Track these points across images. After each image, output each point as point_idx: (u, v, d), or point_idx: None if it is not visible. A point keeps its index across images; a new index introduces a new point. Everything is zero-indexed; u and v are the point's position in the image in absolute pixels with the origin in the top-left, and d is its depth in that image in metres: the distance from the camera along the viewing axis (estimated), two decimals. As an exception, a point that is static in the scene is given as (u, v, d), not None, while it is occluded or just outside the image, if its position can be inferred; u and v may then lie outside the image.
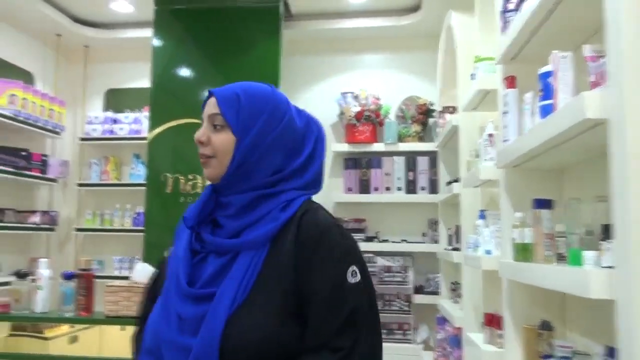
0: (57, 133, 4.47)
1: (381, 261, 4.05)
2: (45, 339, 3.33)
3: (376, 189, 4.23)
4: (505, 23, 1.97)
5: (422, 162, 4.19)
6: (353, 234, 3.83)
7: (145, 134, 4.43)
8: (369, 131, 4.23)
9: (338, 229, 1.08)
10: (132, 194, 4.51)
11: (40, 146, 4.52)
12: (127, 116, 4.68)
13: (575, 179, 1.92)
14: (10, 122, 3.94)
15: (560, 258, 1.54)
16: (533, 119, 1.70)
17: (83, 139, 4.71)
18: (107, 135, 4.66)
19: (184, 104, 3.90)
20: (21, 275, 2.50)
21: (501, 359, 2.09)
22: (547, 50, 1.58)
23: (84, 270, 2.40)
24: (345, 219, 4.21)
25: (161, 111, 3.96)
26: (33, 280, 2.47)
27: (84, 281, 2.35)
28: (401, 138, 4.25)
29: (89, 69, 4.86)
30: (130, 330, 2.69)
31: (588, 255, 1.31)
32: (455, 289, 3.39)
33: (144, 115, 4.59)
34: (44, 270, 2.42)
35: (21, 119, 4.02)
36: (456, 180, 3.16)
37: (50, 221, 4.40)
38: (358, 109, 4.23)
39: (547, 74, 1.49)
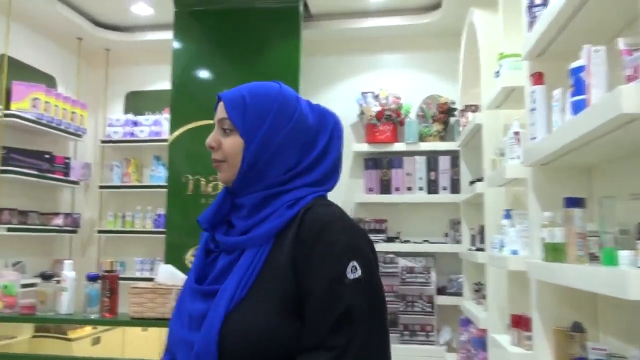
0: (79, 136, 4.51)
1: (403, 262, 4.01)
2: (69, 340, 3.36)
3: (397, 189, 4.20)
4: (532, 18, 1.93)
5: (444, 162, 4.14)
6: (374, 235, 3.84)
7: (165, 135, 4.46)
8: (390, 131, 4.20)
9: (342, 224, 1.04)
10: (153, 195, 4.53)
11: (63, 149, 4.56)
12: (147, 118, 4.71)
13: (605, 176, 1.87)
14: (34, 125, 3.98)
15: (593, 258, 1.50)
16: (563, 116, 1.66)
17: (104, 142, 4.75)
18: (128, 138, 4.69)
19: (204, 105, 3.87)
20: (46, 277, 2.51)
21: (530, 361, 2.05)
22: (576, 45, 1.54)
23: (108, 272, 2.40)
24: (366, 220, 4.19)
25: (181, 113, 3.97)
26: (58, 282, 2.48)
27: (108, 283, 2.35)
28: (422, 137, 4.22)
29: (109, 72, 4.90)
30: (152, 331, 2.68)
31: (623, 254, 1.28)
32: (479, 290, 3.34)
33: (164, 117, 4.61)
34: (68, 272, 2.43)
35: (44, 122, 4.06)
36: (479, 180, 3.12)
37: (73, 223, 4.44)
38: (378, 108, 4.20)
39: (579, 69, 1.45)
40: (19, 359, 3.01)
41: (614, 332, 1.79)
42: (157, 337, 2.74)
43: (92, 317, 2.38)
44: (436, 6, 4.17)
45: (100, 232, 4.67)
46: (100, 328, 3.52)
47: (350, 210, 4.30)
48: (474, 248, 3.30)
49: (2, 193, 3.79)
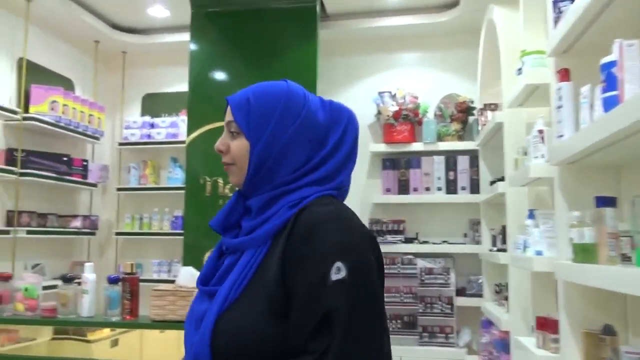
0: (96, 138, 4.53)
1: (421, 263, 3.97)
2: (88, 342, 3.36)
3: (415, 190, 4.16)
4: (558, 14, 1.89)
5: (463, 162, 4.09)
6: (392, 236, 3.79)
7: (182, 137, 4.46)
8: (407, 130, 4.17)
9: (335, 224, 0.98)
10: (170, 197, 4.54)
11: (81, 151, 4.58)
12: (164, 120, 4.72)
13: (635, 175, 1.82)
14: (52, 128, 4.00)
15: (625, 259, 1.46)
16: (592, 113, 1.62)
17: (121, 144, 4.76)
18: (145, 140, 4.70)
19: (221, 107, 3.78)
20: (67, 279, 2.51)
21: (557, 364, 2.01)
22: (604, 40, 1.51)
23: (128, 274, 2.39)
24: (384, 220, 4.15)
25: (199, 114, 3.96)
26: (78, 284, 2.48)
27: (129, 285, 2.35)
28: (440, 137, 4.17)
29: (126, 74, 4.92)
30: (170, 333, 2.66)
31: (659, 255, 1.24)
32: (500, 291, 3.29)
33: (180, 119, 4.61)
34: (89, 274, 2.43)
35: (62, 124, 4.08)
36: (501, 179, 3.07)
37: (91, 225, 4.45)
38: (396, 108, 4.16)
39: (611, 64, 1.41)
40: (39, 361, 3.02)
41: (646, 335, 1.75)
42: (175, 338, 2.73)
43: (113, 319, 2.38)
44: (454, 4, 4.12)
45: (118, 234, 4.68)
46: (118, 330, 3.52)
47: (367, 211, 4.27)
48: (495, 249, 3.25)
49: (21, 196, 3.82)
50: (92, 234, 4.50)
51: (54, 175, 4.01)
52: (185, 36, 4.14)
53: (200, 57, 4.05)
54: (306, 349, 0.92)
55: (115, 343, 3.54)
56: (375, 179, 4.32)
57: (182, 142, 4.27)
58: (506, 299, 3.02)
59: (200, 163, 3.92)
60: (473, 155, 4.02)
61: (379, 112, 4.25)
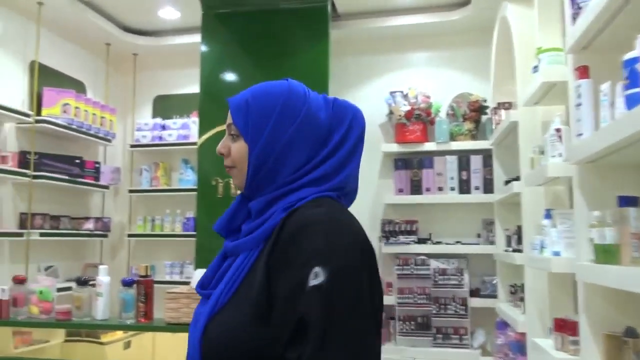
0: (108, 140, 4.54)
1: (435, 264, 3.94)
2: (102, 343, 3.36)
3: (428, 190, 4.12)
4: (577, 10, 1.86)
5: (476, 161, 4.06)
6: (404, 236, 3.77)
7: (193, 139, 4.46)
8: (420, 130, 4.13)
9: (323, 226, 0.94)
10: (182, 199, 4.54)
11: (93, 153, 4.59)
12: (175, 122, 4.72)
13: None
14: (64, 130, 4.01)
15: (648, 260, 1.43)
16: (613, 111, 1.59)
17: (133, 146, 4.77)
18: (157, 142, 4.70)
19: None
20: (81, 282, 2.50)
21: (577, 367, 1.98)
22: (625, 36, 1.48)
23: (143, 277, 2.38)
24: (397, 221, 4.13)
25: (210, 116, 3.96)
26: (93, 286, 2.47)
27: (143, 288, 2.34)
28: (453, 137, 4.14)
29: (138, 76, 4.92)
30: (182, 335, 2.66)
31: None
32: (515, 292, 3.25)
33: (192, 120, 4.61)
34: (103, 277, 2.42)
35: (74, 127, 4.09)
36: (516, 179, 3.04)
37: (104, 227, 4.46)
38: (408, 107, 4.13)
39: (634, 61, 1.38)
40: (54, 364, 3.03)
41: (670, 337, 1.71)
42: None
43: (128, 322, 2.37)
44: (465, 3, 4.08)
45: (130, 235, 4.69)
46: (131, 332, 3.52)
47: (380, 212, 4.25)
48: (510, 249, 3.22)
49: (34, 198, 3.83)
50: (105, 236, 4.51)
51: (66, 177, 4.02)
52: (196, 38, 4.13)
53: (211, 59, 4.04)
54: (284, 357, 0.90)
55: (127, 345, 3.55)
56: (388, 179, 4.30)
57: (194, 143, 4.27)
58: (522, 300, 2.98)
59: (212, 164, 3.91)
60: (486, 155, 3.98)
61: (391, 112, 4.23)
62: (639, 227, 1.47)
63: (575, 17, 1.88)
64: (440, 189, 4.10)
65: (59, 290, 3.13)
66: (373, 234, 4.23)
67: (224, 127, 3.93)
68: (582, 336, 1.90)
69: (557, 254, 2.24)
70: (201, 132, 3.98)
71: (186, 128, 4.65)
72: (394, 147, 4.18)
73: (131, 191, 4.74)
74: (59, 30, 4.25)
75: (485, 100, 4.11)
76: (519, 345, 2.90)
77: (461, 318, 3.83)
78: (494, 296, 3.78)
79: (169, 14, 4.34)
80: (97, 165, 4.39)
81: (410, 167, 4.18)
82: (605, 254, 1.62)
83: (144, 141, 4.72)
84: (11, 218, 3.78)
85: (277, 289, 0.93)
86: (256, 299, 0.94)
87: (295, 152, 1.04)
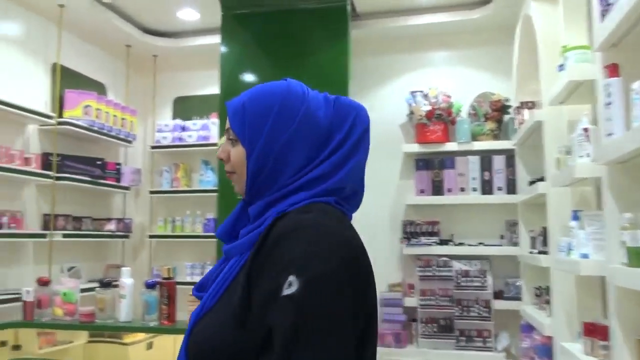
0: (129, 142, 4.56)
1: (457, 265, 3.89)
2: (124, 344, 3.37)
3: (449, 190, 4.08)
4: (606, 7, 1.81)
5: (498, 161, 4.00)
6: (426, 237, 3.73)
7: (213, 140, 4.46)
8: (441, 130, 4.09)
9: (306, 233, 0.90)
10: (202, 200, 4.55)
11: (114, 155, 4.62)
12: (195, 123, 4.73)
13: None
14: (86, 132, 4.04)
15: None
16: (646, 110, 1.55)
17: (153, 147, 4.79)
18: (177, 143, 4.72)
19: None
20: (105, 284, 2.51)
21: (608, 372, 1.93)
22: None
23: (165, 279, 2.38)
24: (418, 222, 4.09)
25: (230, 117, 3.94)
26: (115, 287, 2.48)
27: (166, 290, 2.34)
28: (475, 136, 4.09)
29: (158, 77, 4.94)
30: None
31: None
32: (540, 295, 3.20)
33: (211, 121, 4.62)
34: (126, 279, 2.43)
35: (95, 128, 4.12)
36: (541, 179, 2.98)
37: (125, 228, 4.49)
38: (428, 107, 4.09)
39: (670, 59, 1.33)
40: (77, 364, 3.05)
41: None
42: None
43: (151, 324, 2.37)
44: (486, 1, 4.03)
45: (151, 236, 4.71)
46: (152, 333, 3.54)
47: (401, 212, 4.21)
48: (535, 251, 3.16)
49: (57, 200, 3.86)
50: (126, 236, 4.54)
51: (88, 179, 4.05)
52: (216, 39, 4.13)
53: (230, 59, 4.03)
54: None
55: (150, 346, 3.56)
56: (408, 179, 4.26)
57: (214, 144, 4.27)
58: (547, 302, 2.93)
59: (232, 165, 3.90)
60: (509, 155, 3.93)
61: (412, 112, 4.19)
62: (675, 230, 1.43)
63: (604, 14, 1.83)
64: (462, 189, 4.06)
65: (82, 290, 3.16)
66: (394, 235, 4.20)
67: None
68: (613, 341, 1.86)
69: (585, 256, 2.19)
70: (221, 133, 3.98)
71: (206, 129, 4.66)
72: (415, 148, 4.14)
73: (152, 192, 4.76)
74: (80, 32, 4.28)
75: (507, 100, 4.05)
76: (545, 349, 2.85)
77: (484, 320, 3.78)
78: (518, 298, 3.72)
79: (189, 15, 4.35)
80: (118, 167, 4.42)
81: (432, 167, 4.14)
82: (639, 257, 1.57)
83: (164, 142, 4.74)
84: (35, 219, 3.81)
85: (255, 295, 0.91)
86: (237, 303, 0.92)
87: (294, 154, 1.00)
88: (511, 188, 3.92)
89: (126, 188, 4.53)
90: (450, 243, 4.00)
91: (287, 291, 0.85)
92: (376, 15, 4.24)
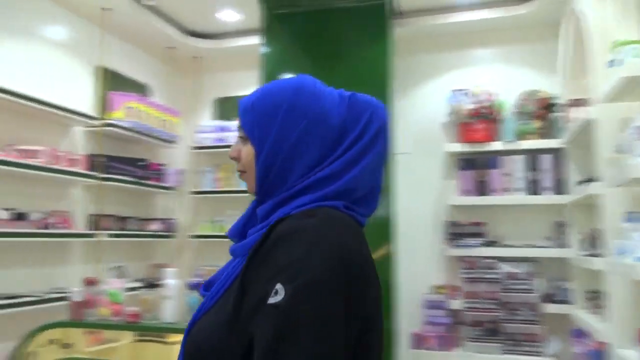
0: (171, 142, 4.61)
1: (505, 267, 3.79)
2: (168, 344, 3.41)
3: (494, 191, 3.98)
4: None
5: (545, 161, 3.89)
6: (471, 239, 3.65)
7: (254, 140, 4.47)
8: (485, 129, 4.00)
9: (304, 237, 0.87)
10: (244, 200, 4.55)
11: (157, 156, 4.69)
12: (235, 124, 4.74)
13: None
14: (129, 133, 4.10)
15: None
16: None
17: (195, 148, 4.83)
18: (218, 144, 4.75)
19: None
20: (151, 285, 2.53)
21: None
22: None
23: (210, 280, 2.39)
24: (463, 223, 4.01)
25: (270, 117, 3.94)
26: (160, 287, 2.50)
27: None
28: (520, 135, 3.98)
29: (199, 79, 4.99)
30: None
31: None
32: (593, 299, 3.09)
33: (252, 122, 4.63)
34: (172, 280, 2.44)
35: (138, 130, 4.18)
36: (592, 179, 2.88)
37: (169, 228, 4.54)
38: (472, 106, 4.01)
39: None
40: (123, 363, 3.09)
41: None
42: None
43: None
44: (531, -4, 3.93)
45: (194, 236, 4.75)
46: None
47: (443, 213, 4.14)
48: (587, 253, 3.05)
49: (104, 200, 3.93)
50: (170, 236, 4.59)
51: (132, 179, 4.11)
52: (256, 39, 4.14)
53: (271, 60, 4.03)
54: None
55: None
56: (451, 179, 4.18)
57: (254, 145, 4.27)
58: (600, 307, 2.82)
59: (273, 166, 3.90)
60: (557, 154, 3.81)
61: (454, 111, 4.11)
62: None
63: (667, 6, 1.74)
64: (507, 189, 3.95)
65: (127, 290, 3.20)
66: (435, 236, 4.13)
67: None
68: (676, 350, 1.76)
69: (641, 260, 2.09)
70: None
71: (246, 130, 4.67)
72: (458, 147, 4.06)
73: (194, 192, 4.80)
74: (123, 35, 4.35)
75: (554, 97, 3.93)
76: (599, 355, 2.74)
77: (532, 324, 3.67)
78: (566, 302, 3.60)
79: (229, 17, 4.37)
80: (161, 167, 4.47)
81: (476, 167, 4.05)
82: None
83: (206, 143, 4.78)
84: (81, 220, 3.89)
85: (247, 300, 0.88)
86: (231, 306, 0.90)
87: (304, 153, 0.97)
88: (559, 188, 3.80)
89: (170, 188, 4.58)
90: (497, 245, 3.90)
91: (272, 299, 0.83)
92: (418, 13, 4.18)
